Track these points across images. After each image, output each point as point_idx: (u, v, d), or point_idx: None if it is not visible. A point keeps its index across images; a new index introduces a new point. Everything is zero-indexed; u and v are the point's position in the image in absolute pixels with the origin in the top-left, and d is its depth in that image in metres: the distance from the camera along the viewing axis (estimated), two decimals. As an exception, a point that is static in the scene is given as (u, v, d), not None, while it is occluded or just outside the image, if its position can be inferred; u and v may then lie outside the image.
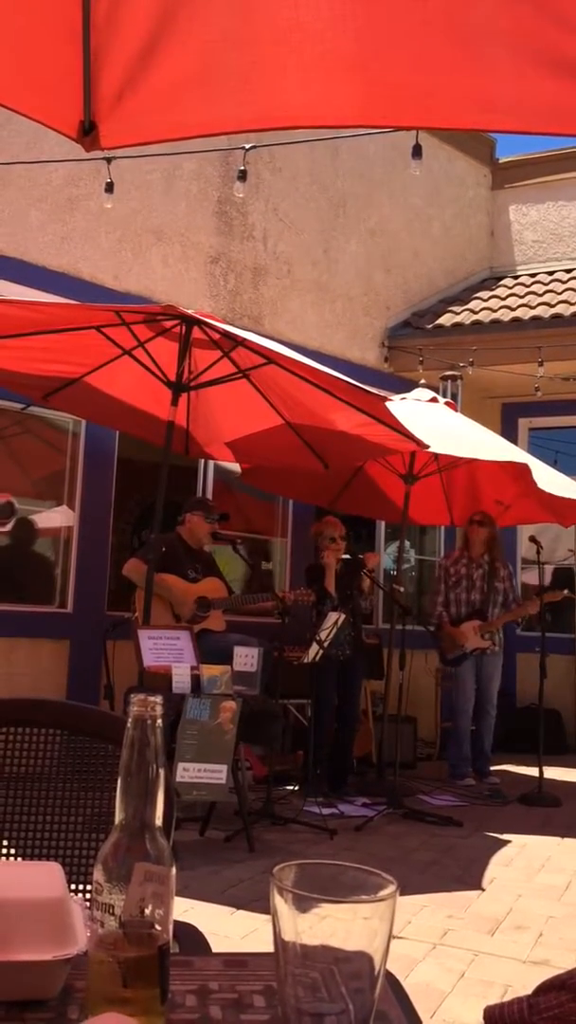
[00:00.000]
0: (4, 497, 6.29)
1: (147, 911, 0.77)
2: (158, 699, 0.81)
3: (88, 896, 1.20)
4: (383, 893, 0.73)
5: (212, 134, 2.14)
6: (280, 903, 0.72)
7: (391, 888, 0.73)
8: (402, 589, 6.58)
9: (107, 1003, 0.76)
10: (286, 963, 0.72)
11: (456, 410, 6.83)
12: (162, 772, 0.81)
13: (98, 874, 0.78)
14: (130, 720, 0.81)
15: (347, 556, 6.35)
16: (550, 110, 1.87)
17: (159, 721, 0.81)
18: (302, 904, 0.71)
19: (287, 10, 1.80)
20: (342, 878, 0.75)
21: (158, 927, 0.78)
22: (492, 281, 9.75)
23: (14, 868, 1.23)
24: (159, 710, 0.81)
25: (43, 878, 0.94)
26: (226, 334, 4.85)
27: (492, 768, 6.81)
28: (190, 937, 1.32)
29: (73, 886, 1.35)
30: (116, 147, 2.07)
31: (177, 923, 1.31)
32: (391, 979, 0.91)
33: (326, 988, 0.72)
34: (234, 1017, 0.82)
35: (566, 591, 7.06)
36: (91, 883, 0.81)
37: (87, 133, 1.99)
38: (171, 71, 1.92)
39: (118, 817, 0.80)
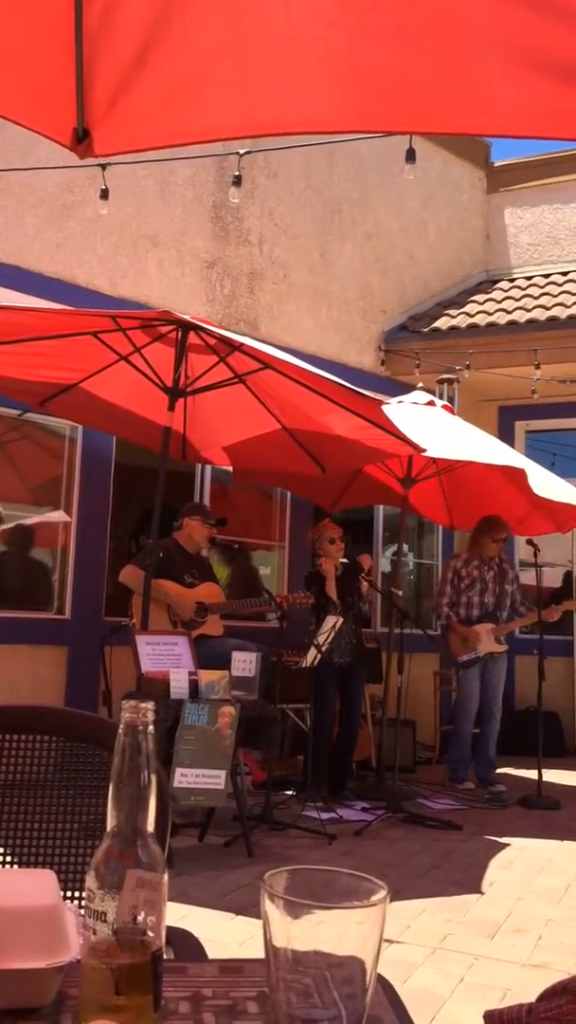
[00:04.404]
0: None
1: (139, 918, 0.77)
2: (150, 705, 0.81)
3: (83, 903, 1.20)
4: (375, 898, 0.73)
5: (206, 141, 2.14)
6: (271, 909, 0.72)
7: (382, 893, 0.73)
8: (400, 592, 6.57)
9: (100, 1010, 0.76)
10: (277, 969, 0.72)
11: (454, 413, 6.84)
12: (154, 778, 0.81)
13: (90, 881, 0.78)
14: (121, 726, 0.81)
15: (344, 560, 6.35)
16: (545, 114, 1.87)
17: (151, 727, 0.81)
18: (293, 910, 0.71)
19: (280, 17, 1.81)
20: (333, 884, 0.75)
21: (151, 934, 0.78)
22: (488, 284, 9.77)
23: (7, 876, 1.23)
24: (151, 716, 0.81)
25: (36, 886, 0.94)
26: (222, 339, 4.86)
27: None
28: (186, 943, 1.31)
29: (70, 893, 1.35)
30: (110, 154, 2.07)
31: (173, 929, 1.31)
32: (384, 983, 0.91)
33: (319, 994, 0.72)
34: (227, 1023, 0.82)
35: None
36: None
37: (81, 140, 1.99)
38: (164, 78, 1.93)
39: (110, 824, 0.80)
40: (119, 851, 0.78)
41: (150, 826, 0.80)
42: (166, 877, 0.79)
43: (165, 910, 0.79)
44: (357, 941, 0.72)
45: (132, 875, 0.77)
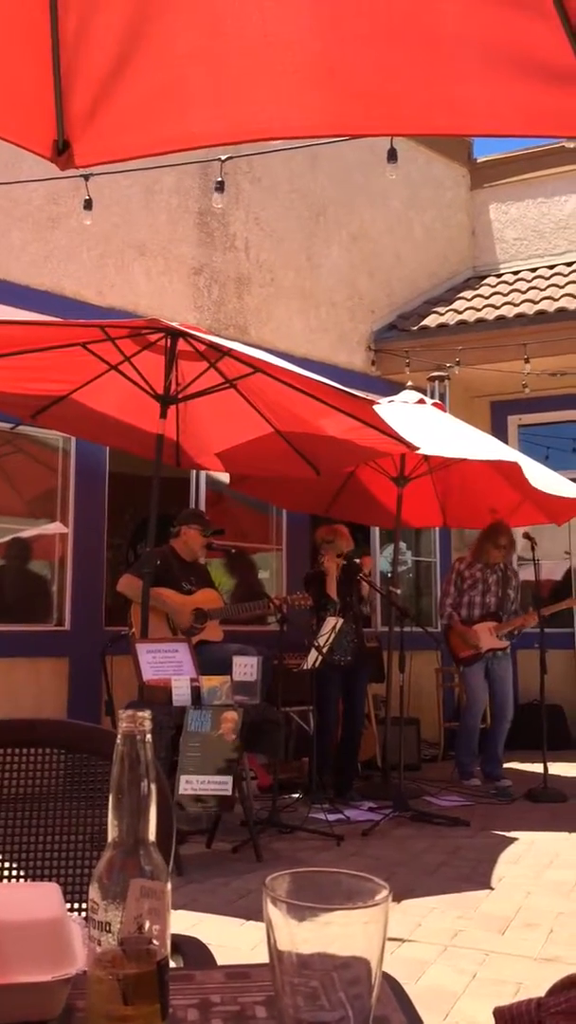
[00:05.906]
0: None
1: (145, 927, 0.77)
2: (146, 714, 0.81)
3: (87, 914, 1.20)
4: (378, 898, 0.73)
5: (186, 149, 2.15)
6: (274, 913, 0.72)
7: (384, 892, 0.73)
8: (399, 591, 6.57)
9: (108, 1020, 0.76)
10: (283, 973, 0.72)
11: (444, 411, 6.84)
12: (154, 787, 0.81)
13: (93, 892, 0.78)
14: (119, 736, 0.81)
15: (343, 560, 6.35)
16: (521, 112, 1.88)
17: (149, 736, 0.81)
18: (297, 913, 0.71)
19: (255, 24, 1.82)
20: (335, 885, 0.76)
21: (156, 942, 0.78)
22: (475, 280, 9.78)
23: (11, 890, 1.23)
24: (148, 725, 0.81)
25: (40, 899, 0.94)
26: (212, 345, 4.86)
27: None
28: (195, 951, 1.31)
29: (78, 905, 1.35)
30: (91, 165, 2.08)
31: (182, 937, 1.31)
32: (393, 983, 0.91)
33: (325, 995, 0.72)
34: (236, 1029, 0.82)
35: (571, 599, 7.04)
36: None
37: (61, 152, 2.00)
38: (142, 87, 1.93)
39: (111, 834, 0.80)
40: (121, 861, 0.78)
41: (152, 835, 0.80)
42: (169, 885, 0.79)
43: (170, 918, 0.79)
44: (362, 941, 0.72)
45: (135, 885, 0.77)
